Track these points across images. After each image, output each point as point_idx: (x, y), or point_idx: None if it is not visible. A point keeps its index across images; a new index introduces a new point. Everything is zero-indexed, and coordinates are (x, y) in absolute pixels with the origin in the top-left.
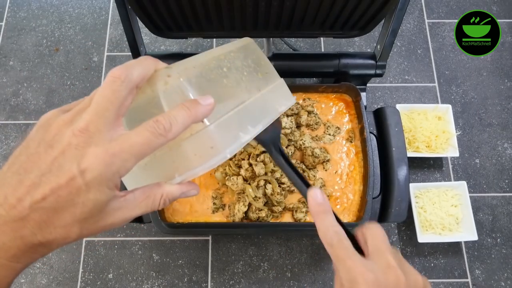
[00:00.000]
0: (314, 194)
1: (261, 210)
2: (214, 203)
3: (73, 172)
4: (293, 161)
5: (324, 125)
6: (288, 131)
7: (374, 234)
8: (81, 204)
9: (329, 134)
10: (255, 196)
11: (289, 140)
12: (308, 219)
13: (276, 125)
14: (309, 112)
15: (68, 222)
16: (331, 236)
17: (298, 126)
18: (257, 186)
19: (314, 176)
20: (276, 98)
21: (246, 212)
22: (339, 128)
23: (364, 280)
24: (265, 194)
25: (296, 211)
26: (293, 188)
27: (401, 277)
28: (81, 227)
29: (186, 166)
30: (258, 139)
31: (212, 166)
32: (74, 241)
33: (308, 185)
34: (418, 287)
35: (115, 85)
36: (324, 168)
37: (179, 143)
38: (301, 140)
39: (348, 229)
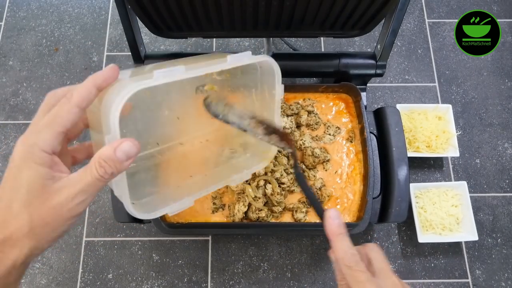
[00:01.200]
0: (333, 214)
1: (261, 210)
2: (214, 203)
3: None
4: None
5: (324, 125)
6: (288, 131)
7: (377, 255)
8: (19, 185)
9: (329, 134)
10: (255, 196)
11: None
12: (308, 219)
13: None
14: (309, 112)
15: (16, 211)
16: (349, 259)
17: (298, 126)
18: (257, 186)
19: (314, 176)
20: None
21: (246, 212)
22: (339, 128)
23: None
24: (265, 194)
25: (296, 211)
26: (293, 188)
27: None
28: (29, 213)
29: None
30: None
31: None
32: (32, 232)
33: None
34: None
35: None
36: (324, 168)
37: None
38: (301, 140)
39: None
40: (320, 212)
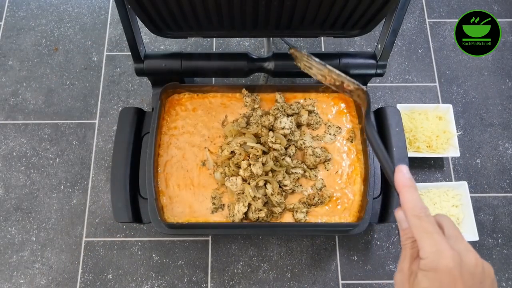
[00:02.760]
0: (404, 167)
1: (261, 210)
2: (213, 203)
3: None
4: (295, 161)
5: (325, 124)
6: (288, 131)
7: (450, 222)
8: None
9: (330, 134)
10: (254, 196)
11: (289, 140)
12: (308, 219)
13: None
14: (310, 112)
15: None
16: (420, 210)
17: (299, 125)
18: (257, 187)
19: (315, 176)
20: None
21: (246, 213)
22: (340, 128)
23: (450, 254)
24: (265, 195)
25: (296, 211)
26: (294, 188)
27: (479, 261)
28: None
29: None
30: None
31: None
32: None
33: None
34: (487, 275)
35: None
36: (325, 168)
37: None
38: (301, 140)
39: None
40: (390, 167)
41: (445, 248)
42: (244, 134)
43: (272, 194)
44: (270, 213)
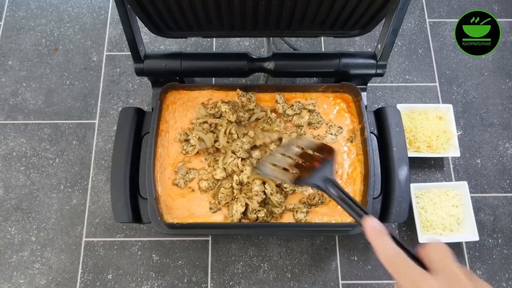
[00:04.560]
0: (371, 221)
1: (259, 210)
2: (210, 208)
3: None
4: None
5: (326, 124)
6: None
7: (439, 250)
8: None
9: (331, 134)
10: (249, 197)
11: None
12: (309, 219)
13: (328, 159)
14: (311, 111)
15: None
16: (391, 255)
17: (299, 126)
18: (246, 186)
19: None
20: None
21: (245, 213)
22: (341, 128)
23: (428, 286)
24: (265, 194)
25: (297, 211)
26: (294, 188)
27: (468, 286)
28: None
29: None
30: (311, 184)
31: None
32: None
33: (364, 213)
34: None
35: None
36: None
37: None
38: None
39: (410, 250)
40: (359, 220)
41: (422, 280)
42: (206, 122)
43: (271, 194)
44: (270, 213)
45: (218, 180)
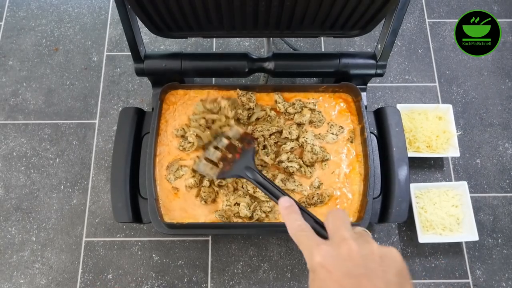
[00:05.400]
0: (282, 201)
1: (254, 210)
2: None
3: None
4: (292, 155)
5: (328, 124)
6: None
7: (334, 216)
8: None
9: (332, 133)
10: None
11: (286, 138)
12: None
13: (248, 149)
14: (312, 110)
15: None
16: (295, 228)
17: (300, 124)
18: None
19: (310, 172)
20: None
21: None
22: (342, 128)
23: (319, 252)
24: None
25: None
26: (294, 188)
27: (353, 247)
28: None
29: None
30: (233, 175)
31: None
32: None
33: (281, 194)
34: (373, 257)
35: None
36: (321, 167)
37: None
38: (303, 138)
39: (318, 220)
40: (275, 200)
41: (314, 247)
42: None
43: (254, 192)
44: (263, 212)
45: (202, 176)
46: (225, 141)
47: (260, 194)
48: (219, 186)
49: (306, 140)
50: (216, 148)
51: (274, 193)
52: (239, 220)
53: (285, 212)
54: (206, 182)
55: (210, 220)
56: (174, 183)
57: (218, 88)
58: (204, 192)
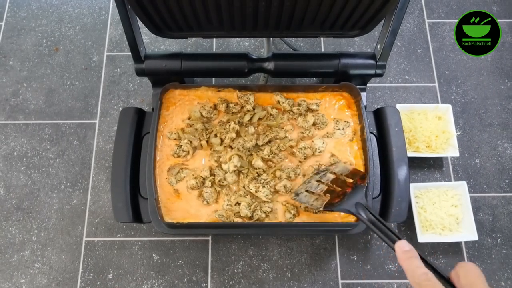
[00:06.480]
0: (401, 244)
1: (255, 210)
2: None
3: None
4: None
5: (334, 120)
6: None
7: (468, 270)
8: None
9: (339, 129)
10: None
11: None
12: (309, 219)
13: (360, 185)
14: (314, 111)
15: None
16: (419, 276)
17: (306, 129)
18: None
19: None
20: None
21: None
22: (348, 122)
23: None
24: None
25: (285, 212)
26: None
27: None
28: None
29: None
30: (342, 209)
31: None
32: None
33: (396, 237)
34: None
35: None
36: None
37: None
38: (310, 147)
39: (439, 269)
40: (392, 246)
41: None
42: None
43: (256, 191)
44: (263, 212)
45: (203, 178)
46: (330, 176)
47: (262, 194)
48: (221, 186)
49: (318, 147)
50: (319, 181)
51: (388, 235)
52: (239, 220)
53: (405, 256)
54: (208, 183)
55: (211, 220)
56: (175, 186)
57: (218, 88)
58: (207, 192)
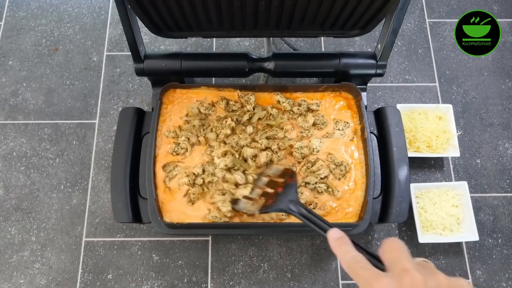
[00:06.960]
0: (332, 232)
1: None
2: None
3: None
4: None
5: (333, 120)
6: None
7: (390, 246)
8: None
9: (339, 130)
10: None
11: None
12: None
13: (290, 183)
14: (314, 111)
15: None
16: (349, 259)
17: (306, 129)
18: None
19: (338, 191)
20: None
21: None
22: (347, 123)
23: (379, 285)
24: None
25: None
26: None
27: (417, 279)
28: None
29: None
30: (276, 209)
31: None
32: None
33: (328, 226)
34: None
35: None
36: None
37: None
38: (307, 147)
39: (371, 252)
40: (324, 235)
41: (374, 279)
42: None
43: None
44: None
45: (195, 175)
46: (265, 180)
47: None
48: (210, 183)
49: (315, 147)
50: (255, 185)
51: (321, 226)
52: (230, 219)
53: (336, 243)
54: (199, 180)
55: (207, 221)
56: (168, 184)
57: (218, 88)
58: (194, 194)
